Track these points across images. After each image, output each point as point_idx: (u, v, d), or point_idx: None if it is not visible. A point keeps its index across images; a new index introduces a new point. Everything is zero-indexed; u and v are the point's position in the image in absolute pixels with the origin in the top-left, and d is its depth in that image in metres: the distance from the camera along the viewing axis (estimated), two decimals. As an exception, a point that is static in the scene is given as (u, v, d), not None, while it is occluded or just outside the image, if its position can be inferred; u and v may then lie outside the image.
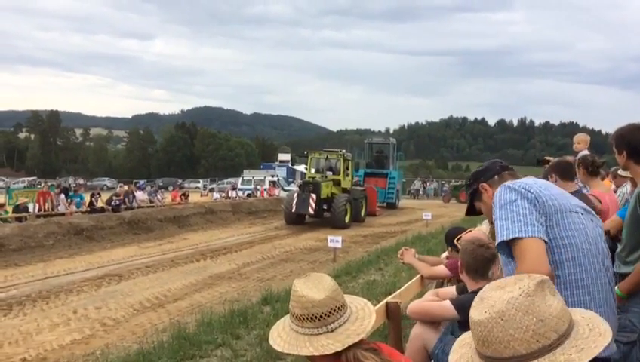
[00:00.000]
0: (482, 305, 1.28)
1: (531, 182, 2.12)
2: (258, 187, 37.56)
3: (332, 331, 1.65)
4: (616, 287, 3.11)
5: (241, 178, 43.32)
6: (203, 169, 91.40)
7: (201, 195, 38.14)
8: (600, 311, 1.93)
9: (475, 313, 1.28)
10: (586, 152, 5.91)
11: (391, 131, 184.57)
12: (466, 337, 1.40)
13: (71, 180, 51.07)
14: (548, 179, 4.43)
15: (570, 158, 4.87)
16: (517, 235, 1.91)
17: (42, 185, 25.32)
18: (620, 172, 5.39)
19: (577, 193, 4.12)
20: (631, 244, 3.07)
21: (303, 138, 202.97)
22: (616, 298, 3.06)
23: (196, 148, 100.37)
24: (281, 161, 56.23)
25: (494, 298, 1.27)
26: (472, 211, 2.54)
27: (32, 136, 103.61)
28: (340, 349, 1.63)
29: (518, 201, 2.00)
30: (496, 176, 2.37)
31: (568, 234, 2.00)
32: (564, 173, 4.19)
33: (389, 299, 3.84)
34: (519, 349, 1.20)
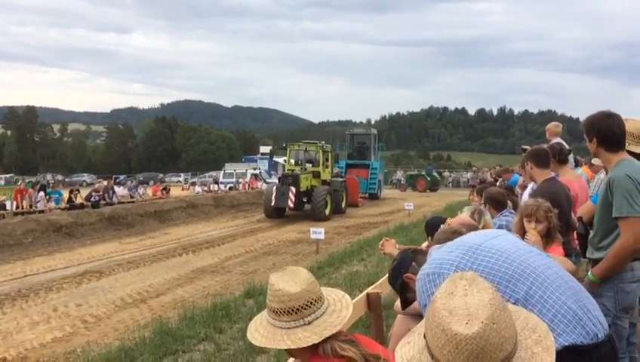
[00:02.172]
0: (458, 316, 1.15)
1: (440, 259, 2.07)
2: (240, 180, 37.46)
3: (309, 324, 1.67)
4: (589, 273, 3.19)
5: (222, 171, 43.19)
6: (184, 163, 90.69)
7: (183, 189, 37.87)
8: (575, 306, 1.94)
9: (460, 327, 1.13)
10: (557, 140, 6.01)
11: (372, 122, 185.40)
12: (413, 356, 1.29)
13: (49, 177, 50.34)
14: (524, 167, 4.50)
15: (546, 146, 4.94)
16: None
17: (20, 182, 24.96)
18: (594, 160, 5.49)
19: (551, 180, 4.19)
20: (602, 230, 3.13)
21: (284, 130, 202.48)
22: (590, 282, 3.13)
23: (177, 142, 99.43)
24: (262, 154, 56.14)
25: (467, 305, 1.17)
26: (408, 303, 2.55)
27: (9, 132, 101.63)
28: (317, 341, 1.64)
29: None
30: (413, 263, 2.43)
31: (493, 268, 1.96)
32: (540, 161, 4.25)
33: (369, 289, 3.87)
34: (508, 347, 1.16)
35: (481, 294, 1.18)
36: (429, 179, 39.50)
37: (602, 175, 5.49)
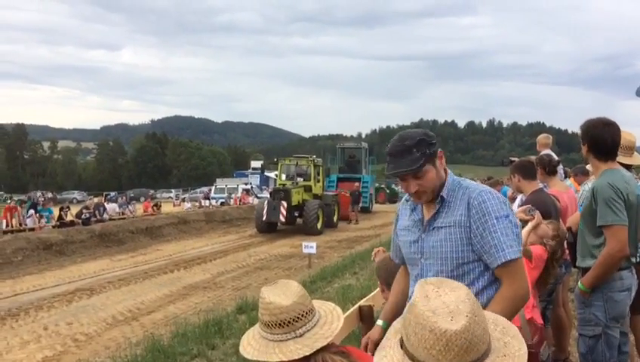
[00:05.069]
0: (441, 314, 1.19)
1: None
2: (231, 195, 37.40)
3: (300, 336, 1.68)
4: (579, 282, 3.21)
5: (214, 186, 43.17)
6: (175, 179, 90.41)
7: (174, 205, 37.70)
8: None
9: (445, 324, 1.16)
10: (546, 152, 6.06)
11: (363, 136, 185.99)
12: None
13: (39, 194, 49.92)
14: (511, 179, 4.54)
15: (533, 158, 4.99)
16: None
17: (9, 200, 24.80)
18: (588, 166, 5.54)
19: (540, 191, 4.23)
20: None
21: (275, 145, 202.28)
22: (580, 292, 3.15)
23: (168, 158, 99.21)
24: (254, 169, 56.16)
25: (445, 304, 1.20)
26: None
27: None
28: (308, 353, 1.65)
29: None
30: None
31: None
32: (526, 173, 4.29)
33: (361, 302, 3.87)
34: (487, 339, 1.22)
35: (456, 292, 1.24)
36: (388, 191, 42.64)
37: (587, 186, 5.55)
